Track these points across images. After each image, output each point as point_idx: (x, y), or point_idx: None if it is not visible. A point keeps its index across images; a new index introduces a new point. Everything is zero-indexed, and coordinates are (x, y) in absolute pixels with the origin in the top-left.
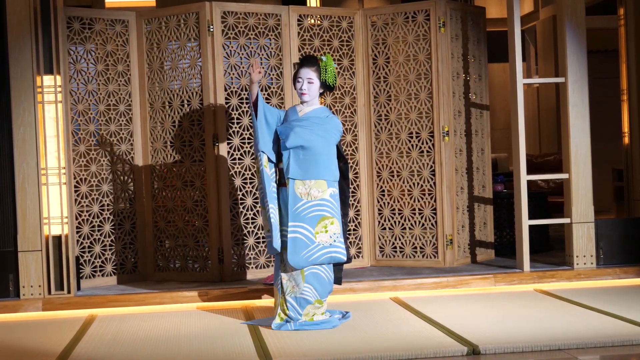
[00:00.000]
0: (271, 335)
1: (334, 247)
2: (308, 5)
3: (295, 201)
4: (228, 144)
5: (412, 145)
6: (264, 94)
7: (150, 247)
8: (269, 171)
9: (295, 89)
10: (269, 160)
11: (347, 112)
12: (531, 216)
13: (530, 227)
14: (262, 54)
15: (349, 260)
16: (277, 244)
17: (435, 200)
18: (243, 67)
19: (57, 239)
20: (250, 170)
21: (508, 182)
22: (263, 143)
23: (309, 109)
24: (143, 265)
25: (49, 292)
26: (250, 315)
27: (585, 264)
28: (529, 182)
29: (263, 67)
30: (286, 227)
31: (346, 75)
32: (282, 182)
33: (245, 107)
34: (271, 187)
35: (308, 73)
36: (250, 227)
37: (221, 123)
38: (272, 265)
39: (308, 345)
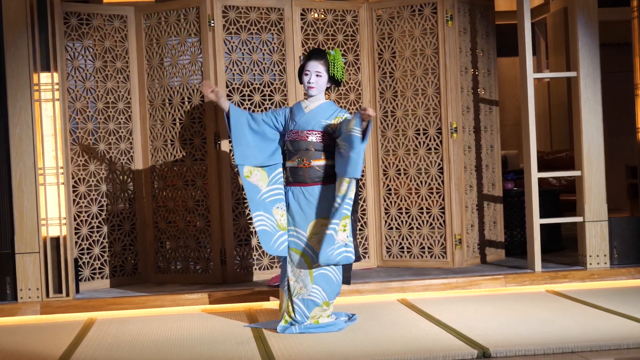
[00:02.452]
0: (275, 338)
1: (348, 246)
2: None
3: (336, 198)
4: (230, 141)
5: (420, 143)
6: (267, 90)
7: (150, 248)
8: (255, 179)
9: (301, 82)
10: (262, 166)
11: (353, 109)
12: (542, 215)
13: (542, 226)
14: (265, 49)
15: (358, 258)
16: (276, 250)
17: (443, 199)
18: (245, 63)
19: (55, 240)
20: None
21: (518, 179)
22: (240, 156)
23: (314, 105)
24: (143, 267)
25: (47, 295)
26: (254, 317)
27: (598, 263)
28: (540, 180)
29: (265, 64)
30: (316, 225)
31: (351, 70)
32: (299, 180)
33: (247, 104)
34: (259, 195)
35: (316, 66)
36: (253, 228)
37: (223, 120)
38: (277, 267)
39: (313, 348)
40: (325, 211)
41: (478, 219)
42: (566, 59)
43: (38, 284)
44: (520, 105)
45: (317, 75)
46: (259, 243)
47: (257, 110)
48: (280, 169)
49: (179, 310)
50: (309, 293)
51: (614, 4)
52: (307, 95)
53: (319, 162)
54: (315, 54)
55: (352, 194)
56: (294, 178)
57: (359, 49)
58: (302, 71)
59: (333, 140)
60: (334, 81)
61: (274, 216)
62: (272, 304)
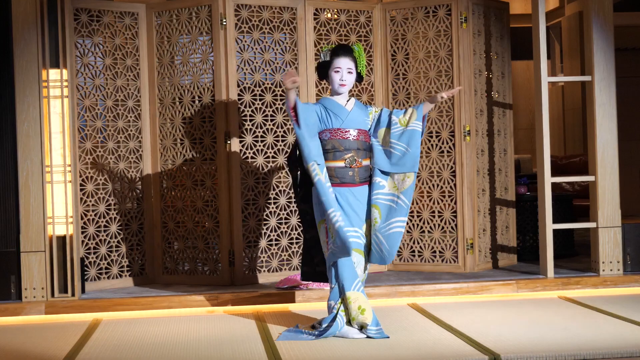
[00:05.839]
0: (283, 341)
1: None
2: None
3: (398, 195)
4: (240, 141)
5: (432, 145)
6: (279, 90)
7: (158, 248)
8: (324, 179)
9: (322, 78)
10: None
11: None
12: (555, 220)
13: (555, 231)
14: (277, 49)
15: None
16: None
17: (455, 203)
18: (257, 63)
19: (62, 239)
20: (263, 169)
21: (531, 184)
22: (316, 152)
23: (351, 103)
24: (151, 267)
25: (52, 295)
26: (262, 320)
27: (611, 270)
28: (554, 185)
29: (277, 63)
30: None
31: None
32: (347, 181)
33: (258, 104)
34: (330, 193)
35: (348, 63)
36: (263, 229)
37: (233, 120)
38: (285, 269)
39: (322, 352)
40: (369, 209)
41: (490, 223)
42: (581, 63)
43: (43, 283)
44: (534, 109)
45: (349, 72)
46: (268, 244)
47: (268, 111)
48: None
49: (186, 311)
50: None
51: (629, 8)
52: (334, 93)
53: (366, 162)
54: (344, 50)
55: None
56: (340, 179)
57: (372, 50)
58: (327, 68)
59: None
60: (359, 78)
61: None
62: (279, 306)
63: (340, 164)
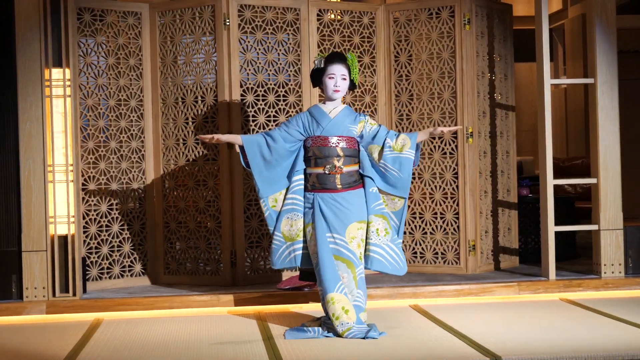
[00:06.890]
0: (284, 341)
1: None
2: None
3: (392, 215)
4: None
5: (435, 147)
6: (282, 91)
7: (160, 248)
8: (280, 204)
9: (316, 85)
10: (287, 186)
11: (368, 111)
12: (557, 222)
13: (557, 233)
14: (280, 50)
15: None
16: (282, 264)
17: (457, 204)
18: (260, 63)
19: (63, 239)
20: None
21: (534, 186)
22: (266, 188)
23: (337, 109)
24: (152, 267)
25: (54, 295)
26: (264, 321)
27: (613, 272)
28: (556, 187)
29: (280, 64)
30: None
31: (367, 72)
32: (329, 187)
33: (261, 104)
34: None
35: (342, 69)
36: (265, 230)
37: (236, 120)
38: (287, 270)
39: (323, 353)
40: (360, 214)
41: (492, 225)
42: (584, 65)
43: (44, 282)
44: (537, 111)
45: (342, 79)
46: (269, 245)
47: (271, 111)
48: (300, 177)
49: (187, 312)
50: (355, 298)
51: (632, 11)
52: (327, 99)
53: (350, 168)
54: (339, 57)
55: (406, 210)
56: (322, 185)
57: (375, 51)
58: (321, 74)
59: (358, 145)
60: (352, 85)
61: (280, 229)
62: (282, 307)
63: (320, 170)
